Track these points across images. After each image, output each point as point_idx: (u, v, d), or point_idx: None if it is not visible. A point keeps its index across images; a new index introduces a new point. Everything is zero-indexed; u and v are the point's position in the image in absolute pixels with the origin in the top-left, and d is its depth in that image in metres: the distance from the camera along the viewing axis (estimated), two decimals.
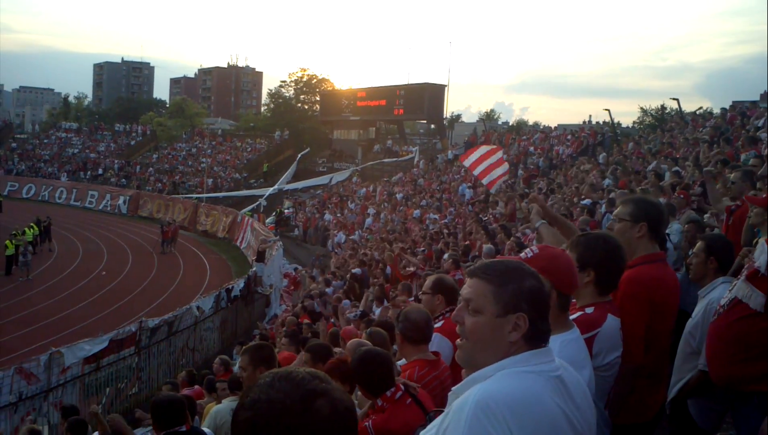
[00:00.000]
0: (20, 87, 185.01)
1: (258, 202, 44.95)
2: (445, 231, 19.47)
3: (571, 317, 2.83)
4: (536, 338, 1.98)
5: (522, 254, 2.77)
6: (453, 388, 2.00)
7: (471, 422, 1.82)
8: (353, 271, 18.82)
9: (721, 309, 3.61)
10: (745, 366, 3.43)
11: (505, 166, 13.67)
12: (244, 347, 4.86)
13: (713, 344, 3.61)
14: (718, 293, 3.87)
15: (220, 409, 6.78)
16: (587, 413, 2.07)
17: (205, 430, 5.89)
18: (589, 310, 3.10)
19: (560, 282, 2.63)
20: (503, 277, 2.00)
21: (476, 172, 13.46)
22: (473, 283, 2.04)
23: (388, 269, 16.66)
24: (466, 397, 1.89)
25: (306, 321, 13.62)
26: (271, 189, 48.36)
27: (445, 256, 13.63)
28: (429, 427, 2.09)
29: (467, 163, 14.02)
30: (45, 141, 69.29)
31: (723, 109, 23.97)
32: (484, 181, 13.41)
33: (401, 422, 3.35)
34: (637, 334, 3.35)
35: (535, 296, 1.99)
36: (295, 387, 1.47)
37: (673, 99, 30.73)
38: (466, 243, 15.78)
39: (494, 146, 15.76)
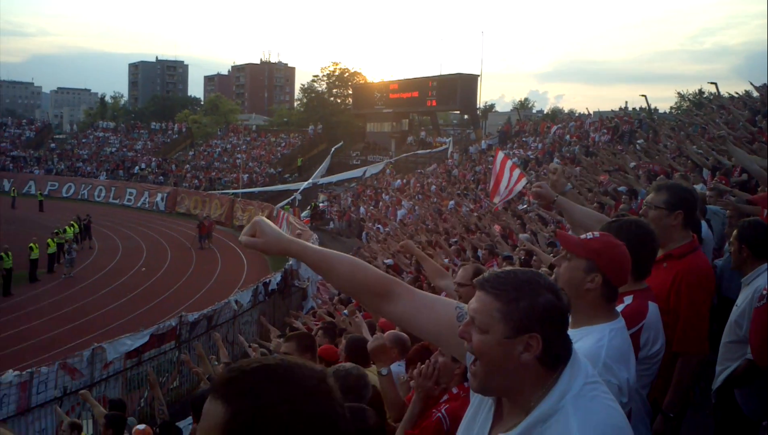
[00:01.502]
0: (58, 88, 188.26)
1: (293, 196, 45.16)
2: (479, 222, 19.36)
3: (617, 309, 2.78)
4: (552, 359, 1.77)
5: (583, 235, 2.73)
6: None
7: None
8: (385, 261, 18.82)
9: (764, 298, 3.54)
10: None
11: (523, 182, 13.50)
12: (288, 334, 4.87)
13: (757, 330, 3.54)
14: (763, 280, 3.78)
15: None
16: None
17: None
18: (628, 298, 3.04)
19: (610, 270, 2.55)
20: (514, 292, 1.77)
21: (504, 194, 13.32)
22: (480, 298, 1.81)
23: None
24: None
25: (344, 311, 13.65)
26: (306, 183, 48.57)
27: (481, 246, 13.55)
28: None
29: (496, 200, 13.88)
30: (83, 141, 70.52)
31: (764, 84, 23.41)
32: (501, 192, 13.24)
33: None
34: (703, 325, 3.36)
35: (550, 313, 1.76)
36: None
37: (711, 83, 30.04)
38: (503, 232, 15.67)
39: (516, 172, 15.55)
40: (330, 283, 2.37)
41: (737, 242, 4.10)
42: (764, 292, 3.56)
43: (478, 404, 1.99)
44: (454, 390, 3.51)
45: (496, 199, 15.34)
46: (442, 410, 3.35)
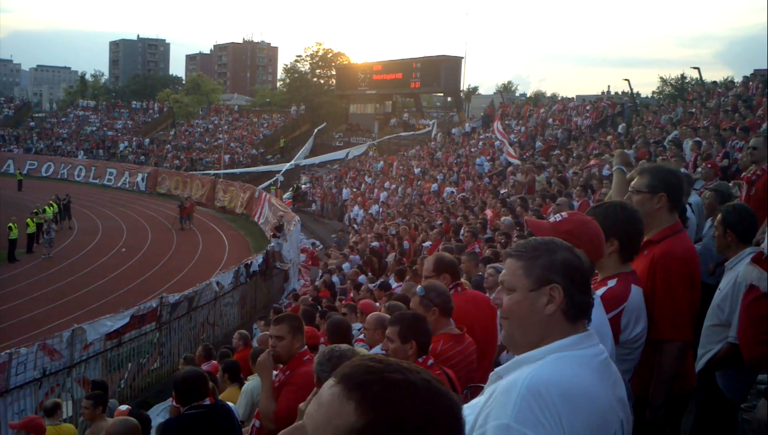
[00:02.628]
0: (37, 66, 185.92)
1: (275, 178, 44.98)
2: (462, 204, 19.40)
3: (598, 293, 2.78)
4: (576, 312, 1.95)
5: (551, 218, 2.74)
6: (496, 369, 1.95)
7: (520, 406, 1.74)
8: (371, 244, 18.82)
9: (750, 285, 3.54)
10: (765, 347, 3.37)
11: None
12: (277, 316, 4.84)
13: (742, 322, 3.55)
14: (744, 265, 3.78)
15: (255, 386, 6.72)
16: (623, 391, 2.02)
17: (231, 404, 5.90)
18: (612, 282, 3.04)
19: (585, 248, 2.56)
20: (534, 251, 1.99)
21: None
22: (507, 264, 2.03)
23: (406, 244, 16.64)
24: (515, 380, 1.81)
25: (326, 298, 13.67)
26: (288, 164, 48.35)
27: (462, 229, 13.57)
28: (470, 403, 2.01)
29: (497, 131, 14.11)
30: (63, 119, 69.77)
31: (745, 77, 23.55)
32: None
33: None
34: (683, 310, 3.33)
35: (568, 267, 1.95)
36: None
37: (694, 68, 30.21)
38: (482, 216, 15.71)
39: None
40: None
41: (721, 226, 4.10)
42: (749, 283, 3.55)
43: None
44: None
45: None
46: None
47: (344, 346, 4.09)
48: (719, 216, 4.23)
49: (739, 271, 3.76)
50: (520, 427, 1.71)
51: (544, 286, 1.93)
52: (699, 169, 10.19)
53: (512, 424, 1.72)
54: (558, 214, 2.76)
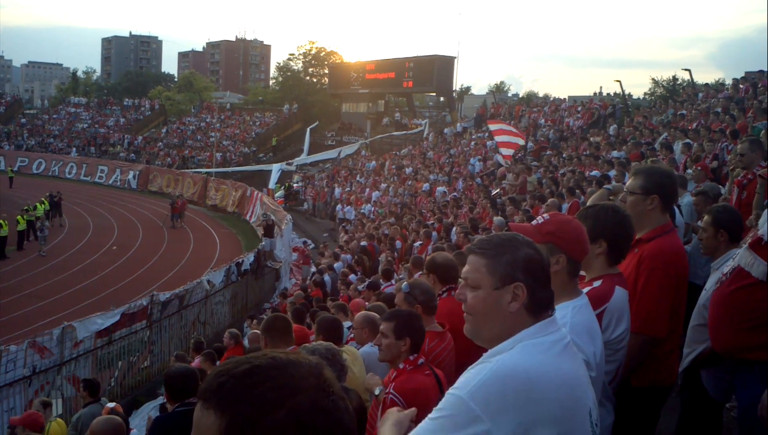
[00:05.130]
0: (29, 62, 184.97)
1: (291, 179, 43.97)
2: (454, 204, 19.44)
3: (583, 292, 2.82)
4: (538, 307, 1.99)
5: (534, 221, 2.77)
6: (472, 366, 1.97)
7: (480, 386, 1.83)
8: (362, 244, 18.83)
9: (724, 277, 3.58)
10: (746, 334, 3.41)
11: (520, 139, 13.98)
12: (265, 319, 4.88)
13: (716, 312, 3.59)
14: (732, 264, 3.83)
15: None
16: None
17: None
18: (597, 283, 3.09)
19: (569, 247, 2.62)
20: (497, 249, 2.01)
21: (498, 139, 13.84)
22: (470, 260, 2.05)
23: (398, 244, 16.67)
24: (485, 364, 1.90)
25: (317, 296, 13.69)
26: (295, 163, 47.91)
27: (454, 228, 13.62)
28: None
29: (493, 127, 14.30)
30: (54, 116, 69.41)
31: (735, 79, 23.66)
32: (502, 150, 13.72)
33: (420, 384, 3.42)
34: (662, 307, 3.40)
35: (531, 265, 1.99)
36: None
37: (685, 70, 30.36)
38: (472, 216, 15.75)
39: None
40: None
41: (713, 227, 4.16)
42: (722, 277, 3.61)
43: None
44: (401, 365, 3.57)
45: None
46: (391, 390, 3.39)
47: (322, 343, 4.13)
48: (708, 217, 4.28)
49: (725, 271, 3.81)
50: (471, 404, 1.81)
51: (508, 284, 1.97)
52: (689, 171, 10.25)
53: (465, 397, 1.82)
54: (540, 216, 2.79)
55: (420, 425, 1.94)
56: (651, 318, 3.36)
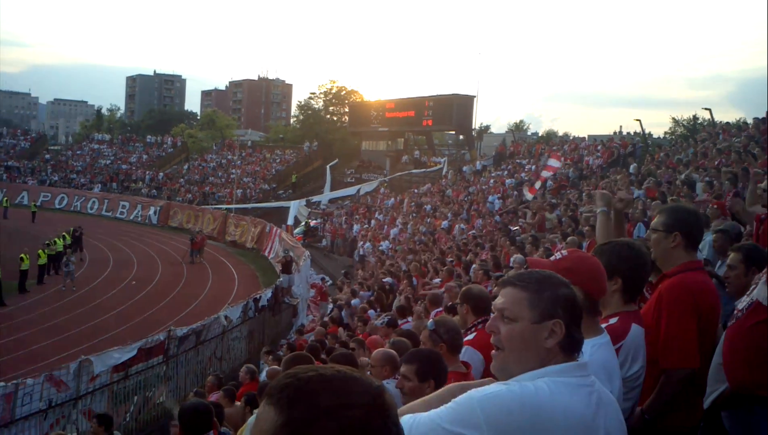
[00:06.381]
0: (54, 99, 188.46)
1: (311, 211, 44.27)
2: (473, 242, 19.35)
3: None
4: (572, 346, 1.97)
5: (552, 257, 2.74)
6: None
7: (496, 396, 1.82)
8: (384, 280, 18.76)
9: (739, 313, 3.51)
10: (763, 371, 3.32)
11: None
12: (285, 357, 4.87)
13: (731, 347, 3.51)
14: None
15: None
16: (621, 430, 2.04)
17: None
18: (613, 320, 3.05)
19: (586, 284, 2.57)
20: (538, 284, 2.00)
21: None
22: (508, 292, 2.03)
23: (415, 280, 16.58)
24: (509, 384, 1.88)
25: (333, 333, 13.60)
26: (323, 198, 48.32)
27: (473, 266, 13.52)
28: None
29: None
30: (78, 152, 70.41)
31: (756, 118, 23.55)
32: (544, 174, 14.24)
33: None
34: (690, 337, 3.33)
35: (570, 303, 1.98)
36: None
37: (706, 109, 30.31)
38: (494, 254, 15.65)
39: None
40: None
41: (743, 265, 4.08)
42: (736, 313, 3.54)
43: None
44: None
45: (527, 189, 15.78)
46: None
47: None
48: (737, 255, 4.21)
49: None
50: (478, 410, 1.80)
51: (547, 320, 1.94)
52: (707, 209, 10.16)
53: (476, 403, 1.81)
54: (558, 253, 2.77)
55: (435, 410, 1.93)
56: (683, 350, 3.31)
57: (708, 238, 7.57)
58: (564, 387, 1.88)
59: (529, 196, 23.86)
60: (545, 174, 24.25)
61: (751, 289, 3.53)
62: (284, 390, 1.25)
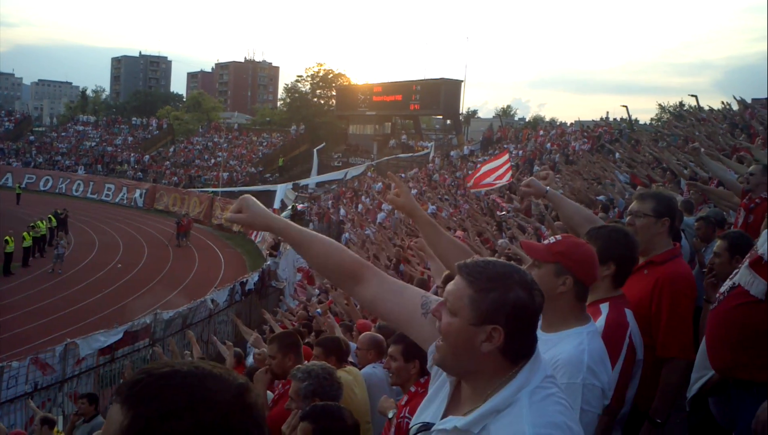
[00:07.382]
0: (39, 80, 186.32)
1: (301, 200, 44.10)
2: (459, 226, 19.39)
3: (598, 325, 2.83)
4: (514, 353, 1.80)
5: (546, 241, 2.76)
6: (460, 424, 1.80)
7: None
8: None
9: (721, 296, 3.56)
10: (744, 354, 3.38)
11: (507, 176, 14.11)
12: (271, 336, 4.92)
13: (713, 330, 3.57)
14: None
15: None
16: None
17: None
18: (604, 306, 3.06)
19: (578, 270, 2.59)
20: (488, 282, 1.79)
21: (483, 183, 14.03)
22: (457, 282, 1.85)
23: (402, 266, 16.59)
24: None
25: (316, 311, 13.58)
26: (311, 185, 48.15)
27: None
28: None
29: (470, 184, 14.43)
30: (62, 134, 69.72)
31: (744, 101, 23.67)
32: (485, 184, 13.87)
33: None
34: (686, 330, 3.45)
35: (517, 310, 1.77)
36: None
37: (692, 95, 30.44)
38: (480, 239, 15.70)
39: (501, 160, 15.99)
40: (307, 262, 2.59)
41: (727, 253, 4.14)
42: (719, 296, 3.59)
43: (438, 387, 2.05)
44: (412, 389, 3.55)
45: (470, 184, 15.64)
46: (406, 414, 3.37)
47: (318, 363, 4.14)
48: (723, 242, 4.26)
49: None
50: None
51: (486, 324, 1.77)
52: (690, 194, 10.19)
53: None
54: (552, 236, 2.78)
55: None
56: (685, 342, 3.43)
57: (690, 221, 7.61)
58: (552, 399, 1.80)
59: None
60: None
61: (734, 273, 3.58)
62: (133, 387, 1.15)
